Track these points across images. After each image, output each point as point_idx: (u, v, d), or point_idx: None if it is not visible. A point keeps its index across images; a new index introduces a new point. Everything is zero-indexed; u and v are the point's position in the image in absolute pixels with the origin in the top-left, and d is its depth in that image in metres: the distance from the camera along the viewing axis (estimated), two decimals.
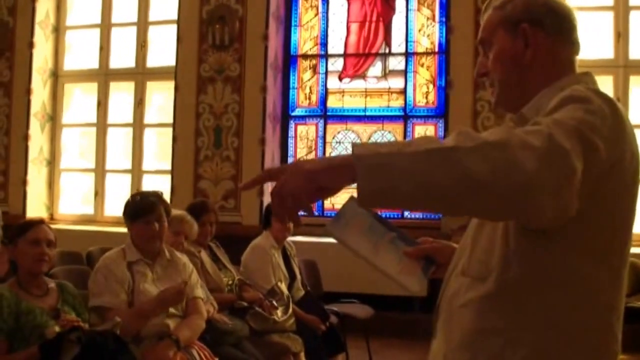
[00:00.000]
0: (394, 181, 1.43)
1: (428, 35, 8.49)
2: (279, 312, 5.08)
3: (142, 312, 3.88)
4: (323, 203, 8.49)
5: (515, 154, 1.40)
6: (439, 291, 1.82)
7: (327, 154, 8.55)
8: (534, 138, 1.43)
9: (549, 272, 1.60)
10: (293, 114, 8.81)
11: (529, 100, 1.77)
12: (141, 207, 4.15)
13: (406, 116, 8.46)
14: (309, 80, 8.80)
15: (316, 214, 8.40)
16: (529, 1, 1.79)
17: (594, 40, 7.67)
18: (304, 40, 8.86)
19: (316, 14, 8.82)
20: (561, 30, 1.79)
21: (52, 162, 9.59)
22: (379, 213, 1.83)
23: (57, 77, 9.64)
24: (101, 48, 9.50)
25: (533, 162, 1.40)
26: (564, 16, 1.80)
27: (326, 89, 8.75)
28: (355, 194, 1.63)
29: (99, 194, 9.40)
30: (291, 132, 8.79)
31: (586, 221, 1.57)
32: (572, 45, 1.81)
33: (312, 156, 8.61)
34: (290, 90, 8.82)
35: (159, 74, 9.17)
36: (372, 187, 1.44)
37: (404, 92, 8.51)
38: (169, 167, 8.83)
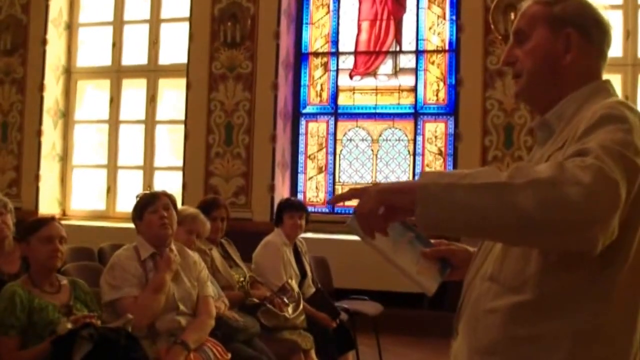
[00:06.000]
0: (449, 212, 1.52)
1: (438, 34, 8.49)
2: (290, 309, 5.09)
3: (155, 286, 3.93)
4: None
5: (565, 191, 1.45)
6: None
7: (338, 152, 8.63)
8: (585, 174, 1.46)
9: (588, 285, 1.62)
10: (304, 111, 8.82)
11: (552, 100, 1.79)
12: (145, 199, 4.26)
13: (416, 114, 8.46)
14: (320, 77, 8.81)
15: (326, 211, 8.44)
16: (582, 8, 1.81)
17: None
18: (315, 38, 8.87)
19: (327, 12, 8.83)
20: (601, 44, 1.82)
21: (65, 158, 9.64)
22: None
23: (69, 73, 9.69)
24: (114, 45, 9.55)
25: (583, 199, 1.44)
26: (606, 33, 1.83)
27: (337, 86, 8.75)
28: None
29: (111, 190, 9.45)
30: (302, 130, 8.80)
31: (625, 236, 1.58)
32: (603, 60, 1.84)
33: (322, 153, 8.67)
34: (301, 88, 8.83)
35: (171, 71, 9.21)
36: (429, 215, 1.54)
37: (414, 89, 8.51)
38: (180, 163, 8.89)
